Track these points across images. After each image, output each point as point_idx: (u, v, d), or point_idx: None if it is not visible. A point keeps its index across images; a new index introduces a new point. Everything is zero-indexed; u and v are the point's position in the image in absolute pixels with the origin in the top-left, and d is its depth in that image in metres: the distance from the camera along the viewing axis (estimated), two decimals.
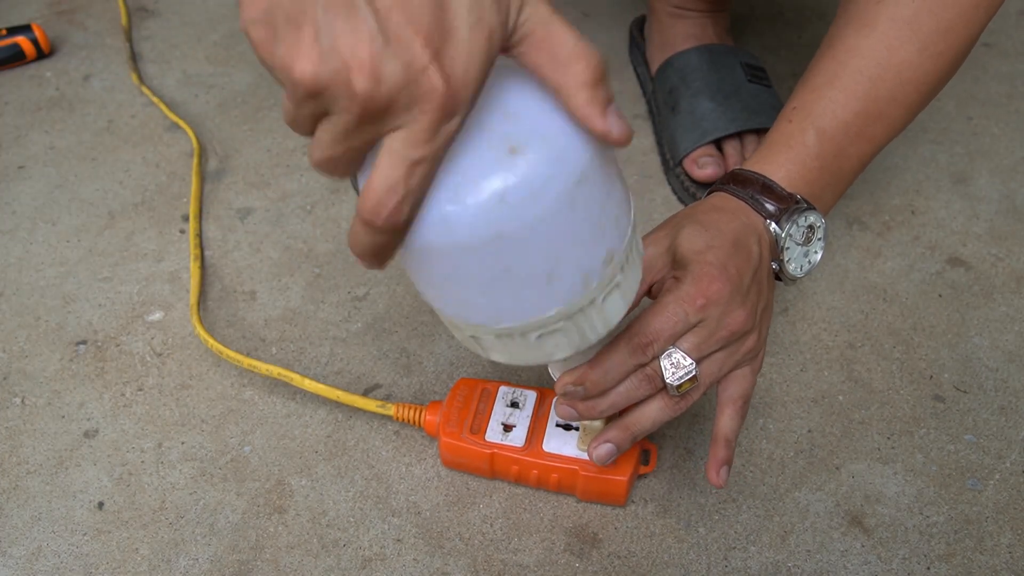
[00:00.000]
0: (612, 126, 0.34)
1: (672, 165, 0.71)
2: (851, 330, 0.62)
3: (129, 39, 0.84)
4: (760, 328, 0.49)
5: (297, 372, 0.55)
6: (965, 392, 0.59)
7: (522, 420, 0.52)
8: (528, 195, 0.32)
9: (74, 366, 0.60)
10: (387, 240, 0.34)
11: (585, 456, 0.51)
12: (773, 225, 0.49)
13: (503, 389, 0.54)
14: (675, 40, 0.74)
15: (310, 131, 0.33)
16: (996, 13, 0.52)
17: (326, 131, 0.32)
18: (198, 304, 0.61)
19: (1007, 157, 0.75)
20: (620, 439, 0.47)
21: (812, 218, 0.50)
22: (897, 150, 0.75)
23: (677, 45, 0.74)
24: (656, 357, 0.45)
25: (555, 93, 0.34)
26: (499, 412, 0.53)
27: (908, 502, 0.53)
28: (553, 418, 0.52)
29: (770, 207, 0.50)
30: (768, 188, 0.50)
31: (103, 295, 0.64)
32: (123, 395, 0.58)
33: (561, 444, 0.51)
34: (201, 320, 0.60)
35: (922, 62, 0.51)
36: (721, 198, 0.51)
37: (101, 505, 0.53)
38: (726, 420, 0.48)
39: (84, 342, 0.61)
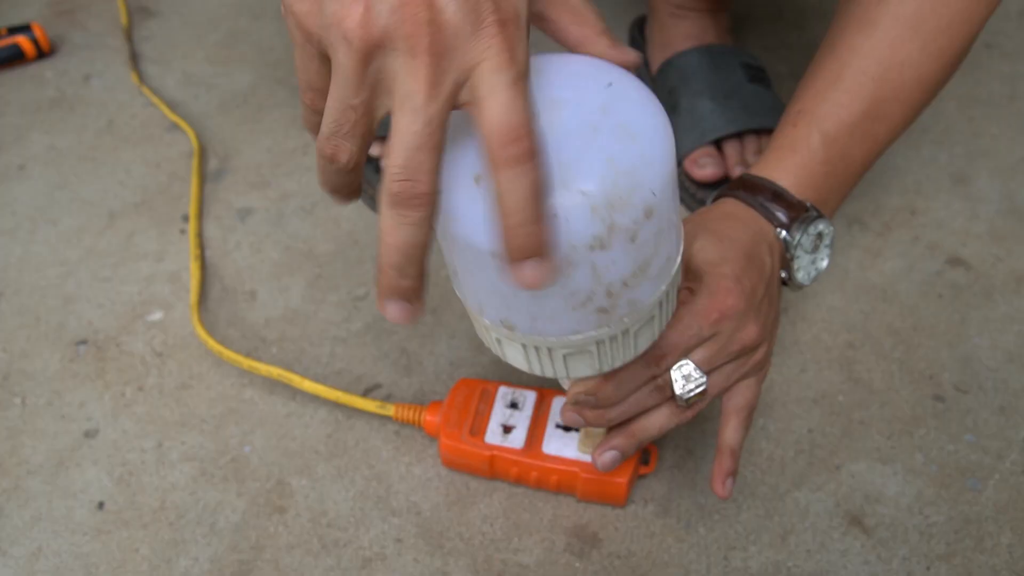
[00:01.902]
0: (631, 56, 0.39)
1: None
2: (851, 330, 0.62)
3: (129, 39, 0.84)
4: (770, 340, 0.49)
5: (297, 372, 0.55)
6: (965, 392, 0.59)
7: (522, 421, 0.52)
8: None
9: (74, 366, 0.60)
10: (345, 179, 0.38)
11: (585, 458, 0.51)
12: (784, 233, 0.49)
13: (503, 390, 0.54)
14: (675, 40, 0.74)
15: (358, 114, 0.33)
16: (996, 9, 0.51)
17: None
18: (198, 304, 0.61)
19: (1007, 157, 0.75)
20: (625, 446, 0.47)
21: (821, 226, 0.50)
22: (898, 150, 0.75)
23: (677, 45, 0.74)
24: (668, 369, 0.45)
25: (578, 44, 0.38)
26: (499, 413, 0.53)
27: (908, 502, 0.53)
28: (553, 419, 0.52)
29: (781, 215, 0.49)
30: (779, 196, 0.50)
31: (103, 295, 0.64)
32: (123, 395, 0.58)
33: (561, 446, 0.51)
34: (201, 320, 0.60)
35: (924, 60, 0.50)
36: (731, 204, 0.50)
37: (101, 505, 0.53)
38: (731, 431, 0.48)
39: (84, 342, 0.61)
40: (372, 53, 0.31)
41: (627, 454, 0.47)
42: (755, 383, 0.49)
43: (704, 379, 0.45)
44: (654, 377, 0.46)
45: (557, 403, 0.53)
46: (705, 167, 0.68)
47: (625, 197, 0.32)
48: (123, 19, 0.86)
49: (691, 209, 0.70)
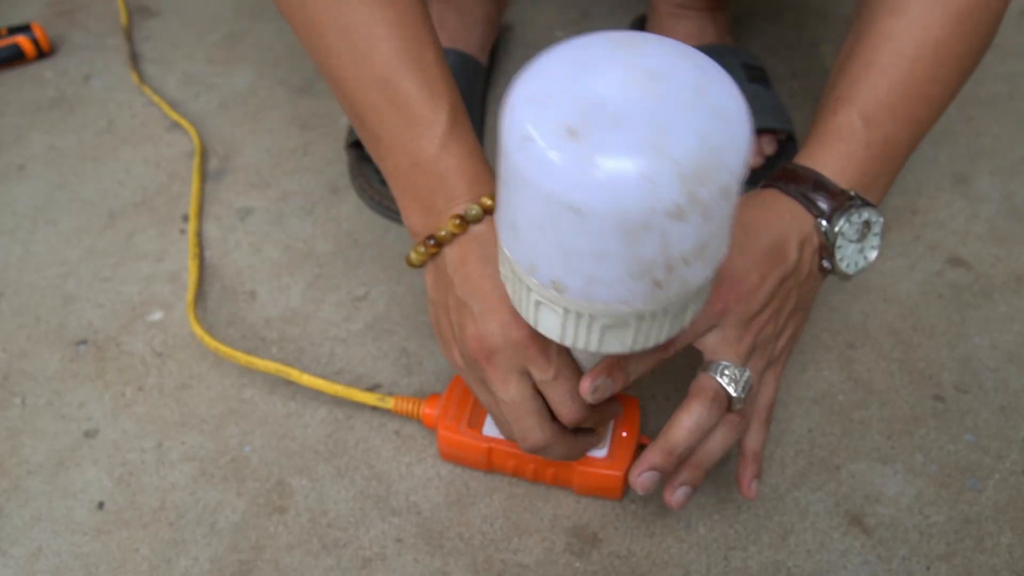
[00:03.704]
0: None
1: None
2: (851, 330, 0.62)
3: (129, 39, 0.84)
4: (786, 330, 0.49)
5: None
6: (965, 392, 0.59)
7: None
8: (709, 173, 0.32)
9: (74, 366, 0.60)
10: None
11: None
12: (824, 223, 0.48)
13: None
14: (675, 39, 0.74)
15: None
16: None
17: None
18: (195, 303, 0.61)
19: (1007, 157, 0.75)
20: (693, 478, 0.46)
21: (867, 214, 0.48)
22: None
23: None
24: (674, 352, 0.46)
25: None
26: None
27: (908, 502, 0.53)
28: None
29: (823, 205, 0.48)
30: (821, 185, 0.49)
31: (103, 295, 0.64)
32: (123, 395, 0.58)
33: None
34: (199, 319, 0.60)
35: (958, 38, 0.50)
36: (771, 195, 0.50)
37: (101, 505, 0.53)
38: (752, 435, 0.48)
39: (84, 342, 0.61)
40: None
41: (697, 486, 0.47)
42: (772, 379, 0.49)
43: (747, 371, 0.45)
44: (662, 361, 0.46)
45: None
46: None
47: (710, 172, 0.32)
48: (123, 19, 0.86)
49: None
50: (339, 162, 0.73)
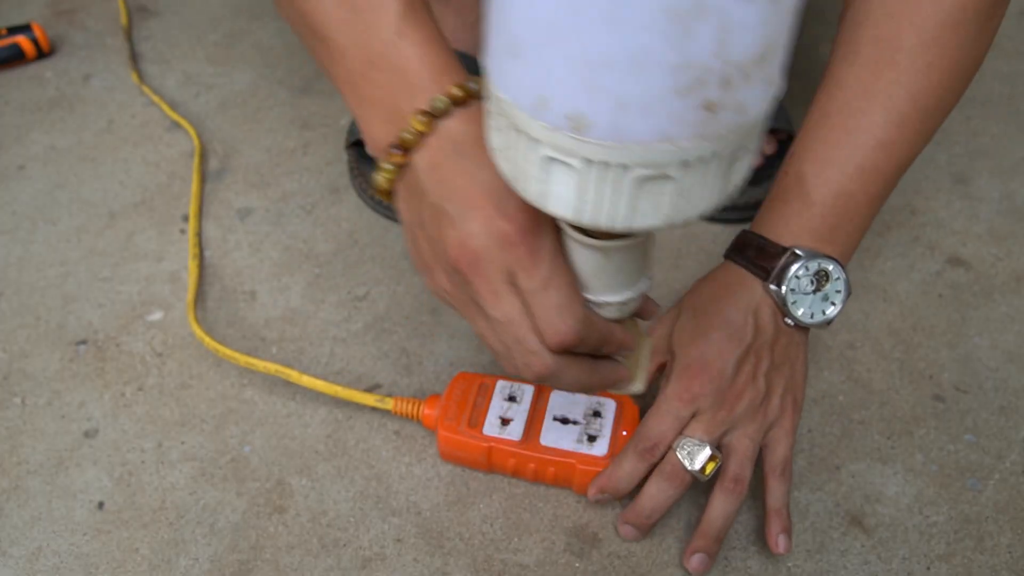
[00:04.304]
0: None
1: None
2: (851, 330, 0.62)
3: (129, 39, 0.84)
4: (773, 389, 0.50)
5: (295, 370, 0.55)
6: (965, 392, 0.59)
7: (519, 414, 0.52)
8: None
9: (74, 366, 0.60)
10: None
11: (582, 449, 0.51)
12: (772, 286, 0.50)
13: (501, 383, 0.54)
14: None
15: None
16: (996, 20, 0.50)
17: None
18: (195, 303, 0.61)
19: (1007, 157, 0.75)
20: (708, 547, 0.49)
21: (816, 265, 0.50)
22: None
23: None
24: (661, 455, 0.49)
25: None
26: (497, 406, 0.53)
27: (908, 502, 0.53)
28: (551, 412, 0.53)
29: (766, 267, 0.50)
30: (762, 248, 0.51)
31: (103, 295, 0.64)
32: (123, 395, 0.58)
33: (558, 438, 0.52)
34: (198, 319, 0.60)
35: (912, 81, 0.49)
36: (724, 269, 0.53)
37: (101, 505, 0.53)
38: (772, 493, 0.50)
39: (84, 342, 0.61)
40: None
41: (715, 554, 0.49)
42: (782, 436, 0.50)
43: (707, 447, 0.48)
44: (654, 465, 0.49)
45: (555, 397, 0.53)
46: None
47: None
48: (123, 19, 0.86)
49: None
50: (339, 162, 0.73)
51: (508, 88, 0.29)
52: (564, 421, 0.52)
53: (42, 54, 0.82)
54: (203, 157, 0.73)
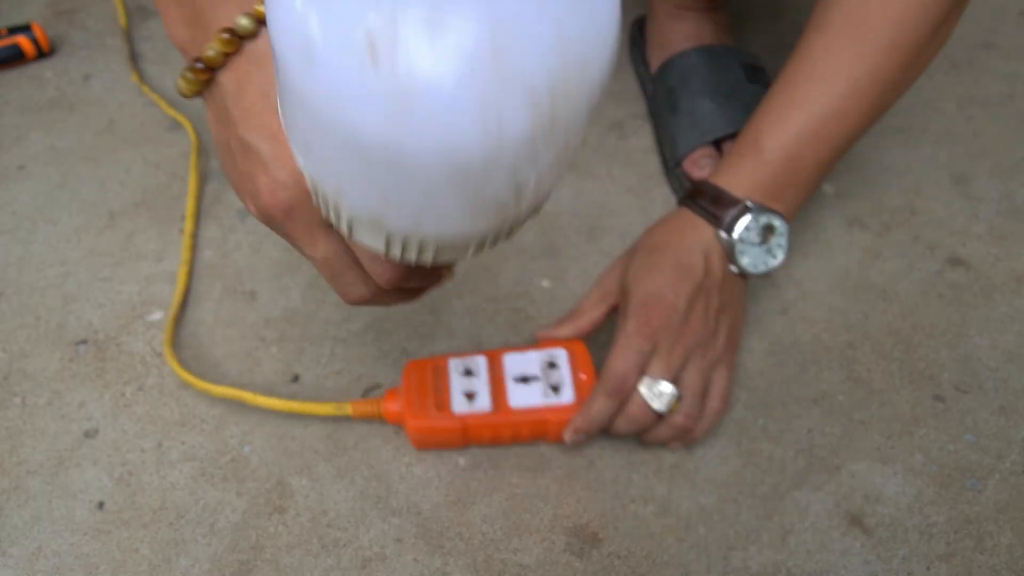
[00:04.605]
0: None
1: (672, 165, 0.71)
2: (851, 330, 0.62)
3: (129, 39, 0.84)
4: (720, 329, 0.53)
5: (249, 391, 0.55)
6: (965, 392, 0.59)
7: (481, 386, 0.53)
8: None
9: (74, 366, 0.60)
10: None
11: (551, 402, 0.53)
12: (723, 233, 0.53)
13: (453, 361, 0.55)
14: (674, 40, 0.74)
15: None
16: (961, 8, 0.52)
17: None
18: (176, 319, 0.61)
19: (1007, 157, 0.75)
20: (588, 430, 0.53)
21: (765, 219, 0.53)
22: (897, 150, 0.75)
23: (676, 45, 0.74)
24: (631, 393, 0.51)
25: None
26: (457, 383, 0.54)
27: (908, 502, 0.53)
28: (509, 374, 0.54)
29: (720, 215, 0.53)
30: (718, 197, 0.54)
31: (103, 295, 0.64)
32: (123, 395, 0.58)
33: (526, 397, 0.53)
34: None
35: (874, 57, 0.51)
36: (678, 215, 0.56)
37: (101, 505, 0.53)
38: (703, 422, 0.54)
39: (84, 342, 0.61)
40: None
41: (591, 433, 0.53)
42: (724, 373, 0.54)
43: (671, 387, 0.51)
44: (623, 404, 0.51)
45: (508, 359, 0.55)
46: (705, 168, 0.68)
47: (573, 86, 0.24)
48: (122, 19, 0.86)
49: None
50: None
51: (306, 165, 0.29)
52: (525, 380, 0.54)
53: (42, 54, 0.82)
54: (203, 155, 0.73)
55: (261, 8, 0.35)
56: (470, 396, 0.53)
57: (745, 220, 0.53)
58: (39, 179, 0.73)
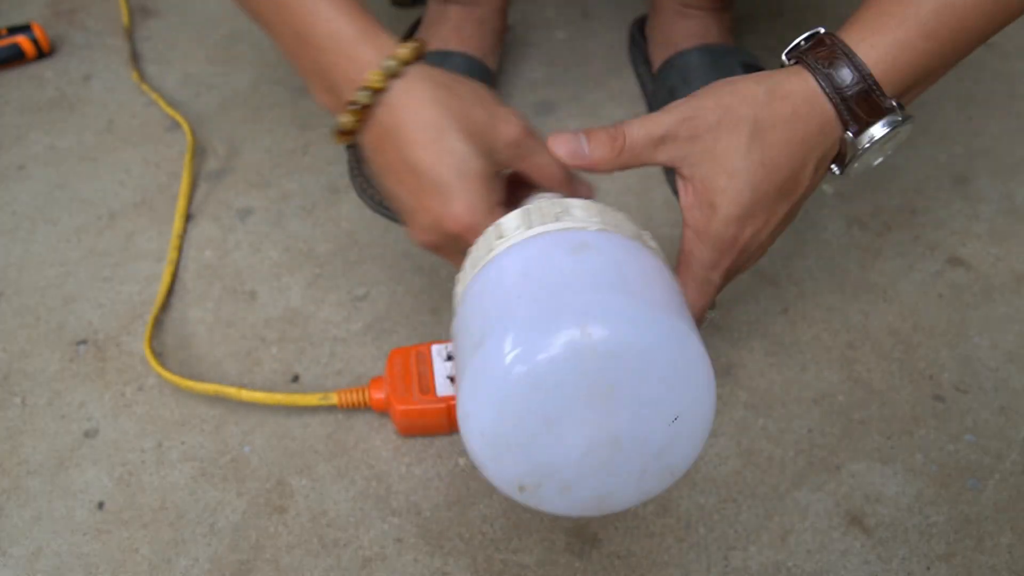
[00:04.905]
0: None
1: None
2: (851, 330, 0.62)
3: (130, 39, 0.84)
4: (769, 245, 0.48)
5: (235, 385, 0.56)
6: (965, 392, 0.59)
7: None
8: None
9: (74, 366, 0.60)
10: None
11: None
12: (851, 135, 0.43)
13: (436, 347, 0.55)
14: (679, 38, 0.74)
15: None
16: None
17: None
18: (156, 320, 0.61)
19: (1007, 157, 0.75)
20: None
21: (903, 131, 0.44)
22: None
23: (680, 43, 0.74)
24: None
25: (544, 182, 0.46)
26: (440, 368, 0.54)
27: (908, 502, 0.53)
28: None
29: (861, 115, 0.43)
30: (867, 93, 0.42)
31: (103, 295, 0.64)
32: (123, 395, 0.58)
33: None
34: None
35: None
36: (803, 88, 0.43)
37: (101, 505, 0.53)
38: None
39: (84, 342, 0.61)
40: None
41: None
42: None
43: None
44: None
45: None
46: None
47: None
48: (124, 19, 0.86)
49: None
50: (339, 162, 0.73)
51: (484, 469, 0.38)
52: None
53: (42, 54, 0.82)
54: (199, 154, 0.73)
55: (400, 51, 0.43)
56: (454, 380, 0.53)
57: (888, 132, 0.43)
58: (39, 179, 0.73)
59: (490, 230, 0.42)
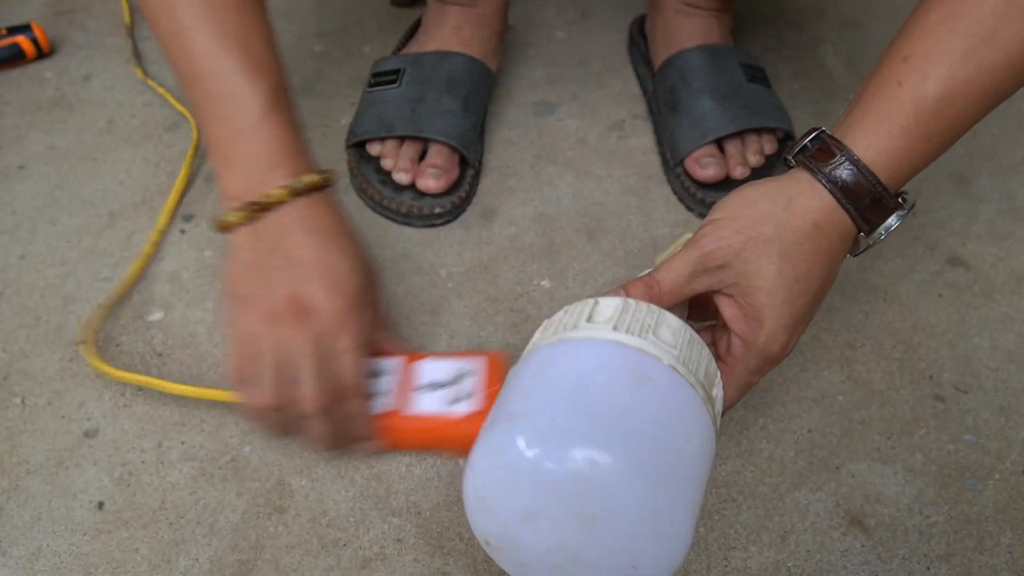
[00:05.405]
0: None
1: (672, 165, 0.71)
2: (851, 330, 0.62)
3: (132, 37, 0.84)
4: None
5: (168, 380, 0.56)
6: (965, 392, 0.59)
7: (387, 387, 0.52)
8: None
9: (74, 366, 0.60)
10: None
11: (444, 410, 0.51)
12: (863, 235, 0.47)
13: (370, 361, 0.53)
14: (680, 37, 0.74)
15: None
16: None
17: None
18: (111, 310, 0.60)
19: (1007, 157, 0.75)
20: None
21: (906, 214, 0.47)
22: None
23: (682, 43, 0.74)
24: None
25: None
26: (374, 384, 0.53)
27: (908, 502, 0.53)
28: (423, 380, 0.52)
29: (875, 222, 0.46)
30: (878, 201, 0.45)
31: (103, 295, 0.64)
32: (123, 395, 0.58)
33: (427, 403, 0.51)
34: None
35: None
36: (823, 207, 0.45)
37: (101, 505, 0.53)
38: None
39: (84, 342, 0.61)
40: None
41: None
42: None
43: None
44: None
45: (425, 365, 0.53)
46: (707, 167, 0.68)
47: None
48: (126, 17, 0.86)
49: (691, 210, 0.70)
50: (339, 162, 0.73)
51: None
52: (436, 387, 0.52)
53: (42, 54, 0.82)
54: (200, 154, 0.73)
55: (313, 177, 0.50)
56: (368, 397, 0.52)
57: (898, 224, 0.47)
58: (39, 179, 0.73)
59: (589, 301, 0.44)
